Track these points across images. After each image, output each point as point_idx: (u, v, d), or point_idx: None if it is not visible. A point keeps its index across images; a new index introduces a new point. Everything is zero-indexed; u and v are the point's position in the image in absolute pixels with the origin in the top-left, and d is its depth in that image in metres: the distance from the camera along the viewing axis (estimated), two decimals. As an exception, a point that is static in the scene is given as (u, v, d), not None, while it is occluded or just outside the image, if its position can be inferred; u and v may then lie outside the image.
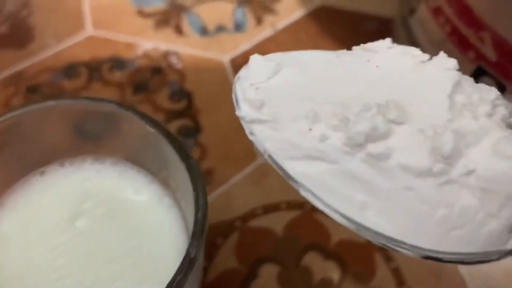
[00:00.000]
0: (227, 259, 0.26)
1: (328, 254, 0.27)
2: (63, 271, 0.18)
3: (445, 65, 0.14)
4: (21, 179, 0.19)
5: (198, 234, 0.14)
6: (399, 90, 0.13)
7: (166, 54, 0.33)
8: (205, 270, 0.26)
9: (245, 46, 0.34)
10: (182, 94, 0.31)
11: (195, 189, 0.15)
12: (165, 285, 0.17)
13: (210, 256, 0.26)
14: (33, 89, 0.31)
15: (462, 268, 0.27)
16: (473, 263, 0.12)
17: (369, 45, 0.15)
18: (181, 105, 0.31)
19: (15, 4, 0.35)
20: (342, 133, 0.12)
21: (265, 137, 0.13)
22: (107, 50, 0.33)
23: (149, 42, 0.34)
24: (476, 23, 0.26)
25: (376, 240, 0.12)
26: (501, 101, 0.13)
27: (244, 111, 0.14)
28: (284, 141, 0.13)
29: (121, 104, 0.17)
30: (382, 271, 0.26)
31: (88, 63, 0.32)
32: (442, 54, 0.14)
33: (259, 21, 0.36)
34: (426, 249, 0.12)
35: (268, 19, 0.36)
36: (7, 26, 0.34)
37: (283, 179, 0.29)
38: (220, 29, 0.35)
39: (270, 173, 0.29)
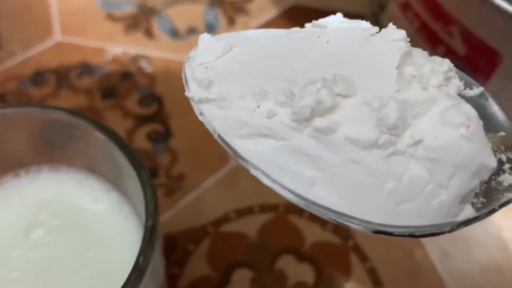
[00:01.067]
0: (199, 265, 0.25)
1: (303, 257, 0.26)
2: (17, 286, 0.17)
3: (393, 36, 0.13)
4: (-27, 192, 0.19)
5: (147, 243, 0.14)
6: (347, 64, 0.13)
7: (136, 58, 0.32)
8: (177, 277, 0.25)
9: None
10: (152, 98, 0.31)
11: (145, 196, 0.15)
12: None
13: (181, 263, 0.25)
14: (-1, 98, 0.30)
15: (440, 267, 0.26)
16: (425, 236, 0.11)
17: (321, 21, 0.15)
18: (151, 109, 0.30)
19: (-18, 12, 0.34)
20: (289, 109, 0.12)
21: (214, 117, 0.13)
22: (75, 56, 0.32)
23: (119, 47, 0.33)
24: (444, 17, 0.26)
25: (326, 216, 0.12)
26: (455, 73, 0.13)
27: (192, 91, 0.14)
28: (232, 120, 0.13)
29: (72, 111, 0.17)
30: (358, 272, 0.26)
31: (56, 70, 0.32)
32: (391, 26, 0.14)
33: (231, 21, 0.35)
34: (376, 223, 0.11)
35: (241, 19, 0.35)
36: (-28, 34, 0.33)
37: (257, 182, 0.29)
38: (192, 31, 0.34)
39: (243, 176, 0.29)
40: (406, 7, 0.28)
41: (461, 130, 0.11)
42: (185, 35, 0.34)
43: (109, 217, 0.18)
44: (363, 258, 0.26)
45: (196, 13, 0.35)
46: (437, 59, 0.13)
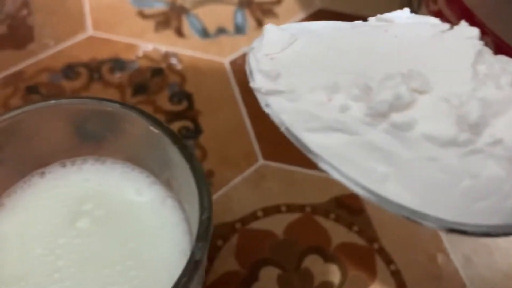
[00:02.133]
0: (227, 261, 0.26)
1: (329, 257, 0.26)
2: (62, 273, 0.18)
3: (467, 33, 0.13)
4: (21, 180, 0.19)
5: (203, 236, 0.14)
6: (419, 59, 0.13)
7: (166, 56, 0.33)
8: (206, 272, 0.25)
9: (245, 48, 0.34)
10: (182, 95, 0.31)
11: (199, 190, 0.15)
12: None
13: (210, 257, 0.26)
14: (32, 89, 0.31)
15: (463, 273, 0.27)
16: (499, 236, 0.11)
17: (386, 15, 0.15)
18: (181, 106, 0.31)
19: (14, 4, 0.35)
20: (363, 103, 0.12)
21: (282, 109, 0.13)
22: (107, 51, 0.33)
23: (149, 44, 0.33)
24: (477, 26, 0.26)
25: (398, 213, 0.11)
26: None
27: (259, 82, 0.13)
28: (302, 112, 0.12)
29: (125, 104, 0.17)
30: (383, 274, 0.26)
31: (87, 64, 0.32)
32: (463, 23, 0.14)
33: (259, 23, 0.36)
34: (450, 221, 0.11)
35: (268, 21, 0.36)
36: (5, 26, 0.34)
37: (282, 182, 0.29)
38: (221, 31, 0.35)
39: (269, 176, 0.29)
40: (438, 15, 0.29)
41: None
42: (214, 35, 0.35)
43: (153, 210, 0.19)
44: (388, 261, 0.27)
45: (225, 14, 0.36)
46: (503, 58, 0.13)
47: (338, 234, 0.27)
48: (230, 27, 0.35)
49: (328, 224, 0.28)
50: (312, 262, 0.26)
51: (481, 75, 0.12)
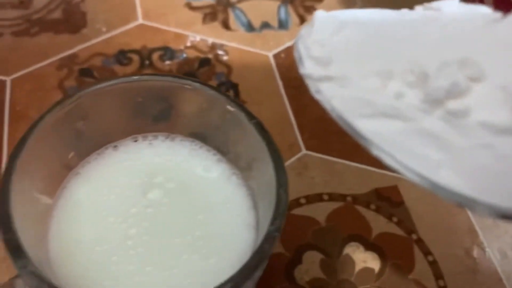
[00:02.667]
0: (272, 244, 0.27)
1: (369, 245, 0.27)
2: (135, 241, 0.19)
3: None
4: (95, 152, 0.20)
5: (282, 210, 0.15)
6: (472, 48, 0.13)
7: (213, 46, 0.34)
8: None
9: (288, 43, 0.35)
10: (229, 85, 0.32)
11: (276, 166, 0.16)
12: (233, 259, 0.18)
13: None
14: (85, 72, 0.32)
15: (499, 267, 0.27)
16: None
17: (434, 4, 0.14)
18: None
19: (67, -9, 0.36)
20: (418, 90, 0.12)
21: (333, 95, 0.12)
22: (157, 39, 0.34)
23: (197, 34, 0.35)
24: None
25: (452, 199, 0.11)
26: None
27: (309, 68, 0.13)
28: (354, 99, 0.12)
29: (201, 82, 0.18)
30: (421, 264, 0.27)
31: (139, 51, 0.33)
32: None
33: (301, 20, 0.37)
34: (505, 207, 0.11)
35: (311, 18, 0.37)
36: (60, 11, 0.35)
37: (324, 172, 0.30)
38: (265, 25, 0.36)
39: (312, 166, 0.30)
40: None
41: None
42: (259, 29, 0.36)
43: (219, 186, 0.20)
44: (426, 252, 0.27)
45: (270, 9, 0.37)
46: None
47: (378, 224, 0.28)
48: (274, 22, 0.36)
49: (368, 214, 0.28)
50: (353, 249, 0.27)
51: None
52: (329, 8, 0.38)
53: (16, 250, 0.14)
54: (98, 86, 0.19)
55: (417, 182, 0.12)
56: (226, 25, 0.36)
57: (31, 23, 0.34)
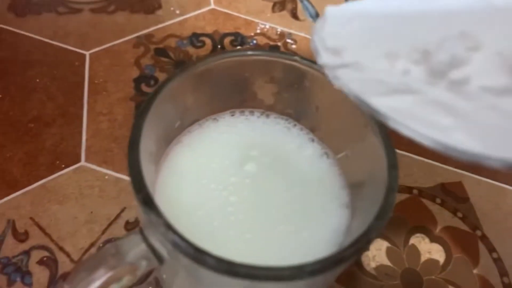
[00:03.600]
0: (339, 229, 0.27)
1: (434, 238, 0.28)
2: (235, 208, 0.19)
3: None
4: (196, 122, 0.21)
5: (393, 189, 0.16)
6: (469, 19, 0.14)
7: (282, 34, 0.35)
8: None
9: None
10: (297, 73, 0.33)
11: (386, 147, 0.16)
12: (326, 235, 0.19)
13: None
14: (161, 52, 0.33)
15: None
16: None
17: None
18: (297, 83, 0.33)
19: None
20: (423, 66, 0.13)
21: (350, 80, 0.13)
22: (228, 24, 0.35)
23: (267, 22, 0.35)
24: None
25: (466, 158, 0.12)
26: None
27: (325, 58, 0.14)
28: (369, 81, 0.13)
29: (311, 61, 0.19)
30: (485, 260, 0.27)
31: (211, 35, 0.34)
32: None
33: (369, 14, 0.37)
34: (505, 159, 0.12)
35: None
36: (135, -8, 0.36)
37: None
38: (333, 17, 0.36)
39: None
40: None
41: None
42: (326, 20, 0.36)
43: (312, 163, 0.20)
44: (491, 248, 0.28)
45: (336, 2, 0.37)
46: None
47: (443, 217, 0.29)
48: (342, 14, 0.37)
49: (434, 208, 0.29)
50: (419, 240, 0.28)
51: None
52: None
53: (150, 204, 0.15)
54: (216, 57, 0.19)
55: (433, 147, 0.13)
56: (294, 15, 0.36)
57: (108, 1, 0.35)
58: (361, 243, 0.16)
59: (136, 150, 0.16)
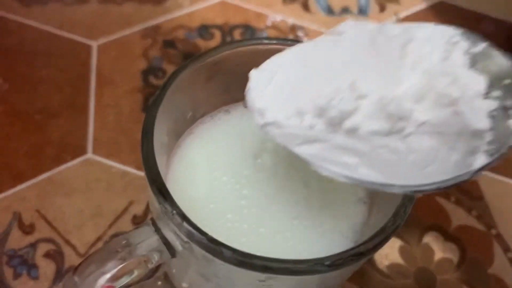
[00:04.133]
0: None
1: (448, 236, 0.27)
2: (248, 201, 0.19)
3: (392, 32, 0.15)
4: (208, 114, 0.21)
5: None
6: (360, 67, 0.16)
7: (293, 27, 0.34)
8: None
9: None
10: (308, 66, 0.32)
11: None
12: (344, 230, 0.18)
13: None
14: (169, 44, 0.32)
15: None
16: (448, 188, 0.14)
17: (334, 29, 0.17)
18: (308, 77, 0.32)
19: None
20: (323, 119, 0.15)
21: (275, 134, 0.16)
22: (238, 17, 0.34)
23: (278, 15, 0.35)
24: None
25: (373, 187, 0.15)
26: (460, 36, 0.15)
27: (256, 118, 0.16)
28: (288, 135, 0.16)
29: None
30: (500, 259, 0.27)
31: (220, 27, 0.33)
32: (388, 23, 0.16)
33: (382, 8, 0.36)
34: (412, 185, 0.14)
35: (391, 7, 0.37)
36: (144, -17, 0.35)
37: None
38: (345, 10, 0.36)
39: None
40: None
41: (453, 108, 0.14)
42: (338, 13, 0.36)
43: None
44: (506, 248, 0.27)
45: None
46: (438, 30, 0.15)
47: (458, 216, 0.28)
48: (354, 8, 0.36)
49: (448, 206, 0.28)
50: (433, 239, 0.27)
51: (409, 64, 0.15)
52: (409, 1, 0.38)
53: (165, 194, 0.15)
54: (230, 46, 0.19)
55: (347, 182, 0.15)
56: (306, 7, 0.35)
57: (116, -8, 0.35)
58: (381, 238, 0.16)
59: (150, 139, 0.15)
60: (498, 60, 0.15)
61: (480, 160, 0.14)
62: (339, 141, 0.15)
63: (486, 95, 0.15)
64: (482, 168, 0.14)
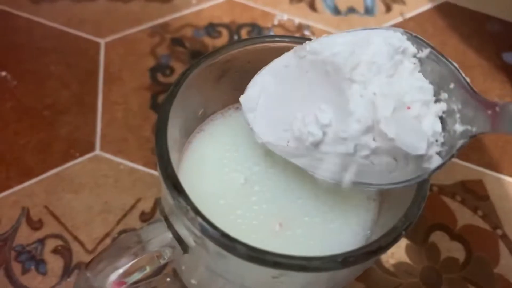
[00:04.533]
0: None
1: (454, 235, 0.27)
2: (258, 197, 0.19)
3: (339, 60, 0.17)
4: (219, 111, 0.21)
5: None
6: (321, 97, 0.18)
7: (300, 27, 0.34)
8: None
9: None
10: (315, 66, 0.32)
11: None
12: (354, 227, 0.19)
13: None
14: (177, 42, 0.32)
15: None
16: (413, 184, 0.17)
17: (301, 51, 0.18)
18: (314, 76, 0.32)
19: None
20: (300, 143, 0.18)
21: (273, 149, 0.19)
22: (245, 15, 0.34)
23: (284, 14, 0.35)
24: None
25: (356, 187, 0.18)
26: (408, 41, 0.17)
27: (257, 138, 0.19)
28: (280, 151, 0.19)
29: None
30: (506, 259, 0.27)
31: (228, 25, 0.34)
32: (339, 45, 0.17)
33: (388, 8, 0.36)
34: (384, 184, 0.17)
35: (397, 8, 0.37)
36: (151, -20, 0.36)
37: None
38: (351, 10, 0.36)
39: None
40: None
41: (391, 143, 0.16)
42: (344, 13, 0.36)
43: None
44: (511, 248, 0.27)
45: (355, -5, 0.37)
46: (385, 40, 0.16)
47: (463, 215, 0.28)
48: (360, 8, 0.36)
49: (454, 206, 0.28)
50: (439, 238, 0.27)
51: (355, 94, 0.16)
52: (414, 1, 0.38)
53: (179, 189, 0.15)
54: (241, 43, 0.19)
55: (332, 182, 0.18)
56: (313, 7, 0.36)
57: (124, -10, 0.35)
58: (393, 236, 0.16)
59: (164, 135, 0.15)
60: (442, 64, 0.17)
61: (436, 161, 0.16)
62: (319, 156, 0.18)
63: (436, 99, 0.17)
64: (436, 169, 0.17)
